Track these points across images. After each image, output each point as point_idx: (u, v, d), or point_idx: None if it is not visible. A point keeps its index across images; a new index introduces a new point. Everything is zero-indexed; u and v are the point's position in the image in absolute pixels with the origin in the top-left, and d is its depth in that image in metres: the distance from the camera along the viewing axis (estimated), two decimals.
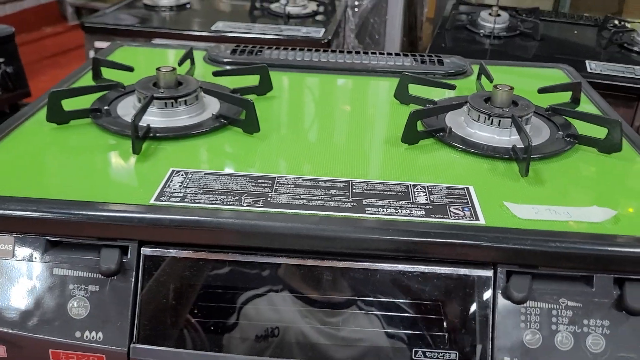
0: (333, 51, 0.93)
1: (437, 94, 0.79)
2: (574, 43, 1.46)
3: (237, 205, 0.54)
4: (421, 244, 0.51)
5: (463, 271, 0.52)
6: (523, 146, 0.62)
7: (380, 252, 0.52)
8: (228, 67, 0.87)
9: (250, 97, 0.78)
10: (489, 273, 0.52)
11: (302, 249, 0.52)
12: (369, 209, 0.54)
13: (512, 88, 0.69)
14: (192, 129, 0.67)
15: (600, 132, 0.67)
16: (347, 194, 0.57)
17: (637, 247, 0.51)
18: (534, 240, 0.51)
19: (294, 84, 0.84)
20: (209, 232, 0.52)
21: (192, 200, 0.54)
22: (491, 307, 0.51)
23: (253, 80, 0.79)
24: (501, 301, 0.51)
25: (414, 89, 0.79)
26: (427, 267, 0.52)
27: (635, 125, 1.42)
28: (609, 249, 0.51)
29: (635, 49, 1.36)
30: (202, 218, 0.52)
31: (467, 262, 0.52)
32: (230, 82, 0.80)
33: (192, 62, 0.84)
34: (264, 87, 0.78)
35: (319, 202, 0.55)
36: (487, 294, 0.51)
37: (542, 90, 0.76)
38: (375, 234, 0.51)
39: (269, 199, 0.55)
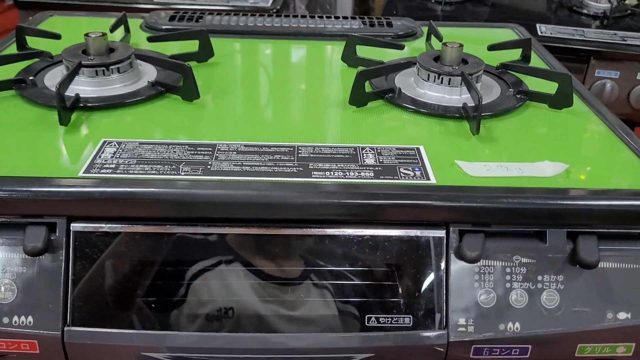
0: (278, 16, 0.89)
1: (386, 56, 0.76)
2: (525, 7, 1.46)
3: (174, 174, 0.50)
4: (370, 207, 0.49)
5: (415, 233, 0.50)
6: (473, 104, 0.60)
7: (329, 217, 0.49)
8: (175, 32, 0.82)
9: (191, 64, 0.74)
10: (441, 233, 0.50)
11: (244, 218, 0.49)
12: (315, 172, 0.52)
13: (461, 45, 0.67)
14: (126, 98, 0.63)
15: (551, 89, 0.66)
16: (292, 158, 0.54)
17: (588, 199, 0.50)
18: (485, 198, 0.49)
19: (237, 51, 0.80)
20: (143, 204, 0.48)
21: (125, 171, 0.50)
22: (444, 269, 0.50)
23: (193, 46, 0.75)
24: (454, 262, 0.49)
25: (362, 51, 0.76)
26: (377, 230, 0.50)
27: (585, 87, 1.44)
28: (561, 202, 0.49)
29: (584, 11, 1.37)
30: (136, 189, 0.48)
31: (418, 223, 0.50)
32: (169, 50, 0.75)
33: (127, 30, 0.79)
34: (205, 53, 0.74)
35: (262, 167, 0.52)
36: (440, 255, 0.50)
37: (491, 48, 0.74)
38: (322, 198, 0.49)
39: (209, 166, 0.52)
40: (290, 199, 0.48)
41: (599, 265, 0.49)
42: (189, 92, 0.63)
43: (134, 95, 0.64)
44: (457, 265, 0.49)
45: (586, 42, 1.26)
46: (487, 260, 0.50)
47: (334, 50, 0.81)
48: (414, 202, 0.49)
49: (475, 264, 0.49)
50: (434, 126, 0.61)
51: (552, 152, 0.57)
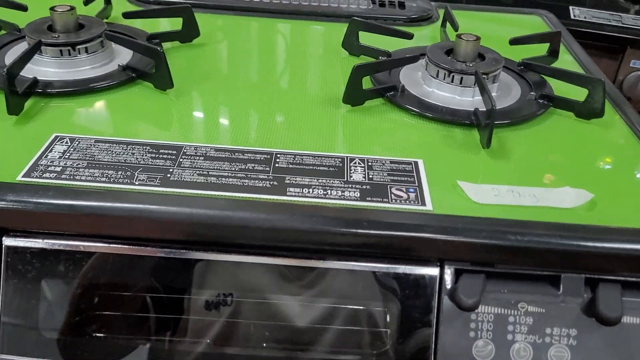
0: None
1: (394, 44, 0.68)
2: None
3: (126, 183, 0.43)
4: (350, 236, 0.41)
5: (402, 269, 0.42)
6: (486, 110, 0.52)
7: (301, 245, 0.42)
8: (155, 7, 0.74)
9: (173, 44, 0.66)
10: (434, 271, 0.42)
11: (200, 241, 0.42)
12: (291, 189, 0.44)
13: (478, 38, 0.58)
14: (91, 83, 0.56)
15: (579, 93, 0.57)
16: (267, 168, 0.46)
17: (614, 240, 0.42)
18: (489, 233, 0.41)
19: (226, 30, 0.72)
20: (84, 220, 0.41)
21: (71, 177, 0.43)
22: (435, 313, 0.42)
23: (178, 23, 0.67)
24: (448, 306, 0.42)
25: (367, 38, 0.67)
26: (357, 263, 0.42)
27: (618, 78, 1.33)
28: (581, 243, 0.41)
29: None
30: (76, 202, 0.41)
31: (408, 257, 0.42)
32: (153, 26, 0.67)
33: (107, 1, 0.71)
34: (189, 32, 0.66)
35: (229, 179, 0.44)
36: (431, 297, 0.42)
37: (513, 42, 0.64)
38: (293, 223, 0.41)
39: (168, 175, 0.45)
40: (255, 222, 0.41)
41: (622, 321, 0.41)
42: (162, 80, 0.55)
43: (101, 80, 0.56)
44: (450, 309, 0.42)
45: (623, 29, 1.17)
46: (486, 307, 0.42)
47: (336, 33, 0.72)
48: (403, 234, 0.41)
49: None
50: (439, 134, 0.53)
51: (576, 175, 0.48)
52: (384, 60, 0.57)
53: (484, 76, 0.57)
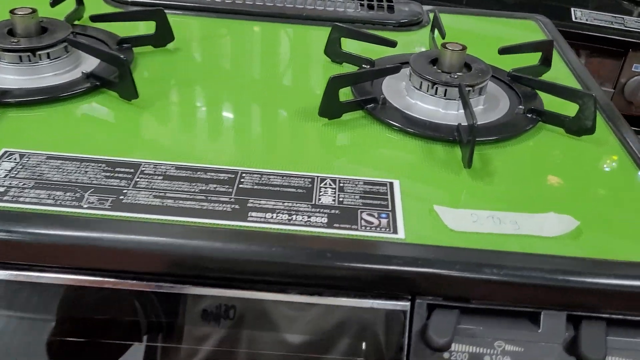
0: None
1: (380, 51, 0.64)
2: None
3: (73, 206, 0.40)
4: (312, 269, 0.38)
5: (370, 303, 0.39)
6: (467, 126, 0.49)
7: (259, 278, 0.39)
8: (132, 8, 0.71)
9: (145, 49, 0.63)
10: (404, 306, 0.39)
11: (150, 272, 0.39)
12: (253, 214, 0.41)
13: (464, 48, 0.55)
14: (52, 92, 0.52)
15: (572, 107, 0.53)
16: (230, 190, 0.43)
17: (599, 275, 0.38)
18: (465, 265, 0.38)
19: (203, 34, 0.69)
20: (24, 247, 0.38)
21: (14, 199, 0.40)
22: (405, 351, 0.39)
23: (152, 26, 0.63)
24: (418, 343, 0.39)
25: (351, 44, 0.64)
26: (322, 297, 0.39)
27: (620, 82, 1.30)
28: (563, 277, 0.38)
29: None
30: (15, 228, 0.38)
31: (376, 291, 0.39)
32: (127, 28, 0.64)
33: (80, 2, 0.67)
34: (162, 36, 0.62)
35: (187, 202, 0.41)
36: (400, 334, 0.39)
37: (503, 51, 0.61)
38: (250, 254, 0.38)
39: (121, 197, 0.41)
40: (209, 253, 0.38)
41: None
42: (126, 90, 0.52)
43: (62, 88, 0.53)
44: (421, 348, 0.39)
45: (625, 32, 1.14)
46: (461, 345, 0.39)
47: (321, 39, 0.69)
48: (371, 266, 0.38)
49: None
50: (419, 151, 0.49)
51: (561, 198, 0.45)
52: (362, 71, 0.54)
53: (470, 89, 0.53)
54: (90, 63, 0.57)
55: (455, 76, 0.54)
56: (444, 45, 0.55)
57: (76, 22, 0.66)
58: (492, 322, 0.39)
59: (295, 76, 0.61)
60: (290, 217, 0.41)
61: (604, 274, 0.38)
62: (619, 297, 0.38)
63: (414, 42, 0.71)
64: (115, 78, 0.54)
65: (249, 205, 0.42)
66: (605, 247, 0.40)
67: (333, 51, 0.63)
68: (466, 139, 0.48)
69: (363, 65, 0.61)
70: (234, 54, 0.65)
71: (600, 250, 0.40)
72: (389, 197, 0.44)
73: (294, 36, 0.70)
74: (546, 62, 0.63)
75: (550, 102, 0.56)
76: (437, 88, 0.54)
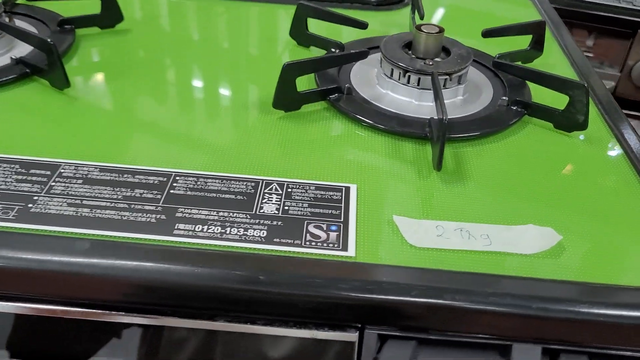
0: None
1: (350, 33, 0.58)
2: None
3: None
4: (241, 293, 0.32)
5: (311, 333, 0.33)
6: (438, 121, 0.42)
7: (182, 303, 0.33)
8: None
9: (91, 30, 0.56)
10: (351, 337, 0.33)
11: (58, 294, 0.33)
12: (180, 226, 0.35)
13: (441, 30, 0.48)
14: None
15: (563, 98, 0.47)
16: (158, 196, 0.37)
17: (583, 302, 0.32)
18: (423, 290, 0.32)
19: (156, 13, 0.62)
20: None
21: None
22: None
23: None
24: None
25: (319, 26, 0.58)
26: (255, 326, 0.33)
27: (628, 64, 1.23)
28: (540, 306, 0.32)
29: None
30: None
31: (319, 320, 0.33)
32: (69, 9, 0.58)
33: None
34: (109, 16, 0.56)
35: (106, 211, 0.36)
36: None
37: (487, 34, 0.54)
38: (170, 276, 0.32)
39: (30, 205, 0.36)
40: (121, 273, 0.32)
41: None
42: (56, 78, 0.46)
43: None
44: None
45: (634, 12, 1.07)
46: None
47: (289, 20, 0.62)
48: (311, 293, 0.32)
49: None
50: (385, 149, 0.43)
51: (544, 207, 0.39)
52: (321, 57, 0.48)
53: (446, 77, 0.47)
54: (24, 48, 0.51)
55: (431, 63, 0.48)
56: (418, 28, 0.49)
57: (18, 2, 0.60)
58: (454, 356, 0.33)
59: (255, 62, 0.55)
60: (223, 230, 0.35)
61: (588, 301, 0.32)
62: (605, 328, 0.32)
63: (394, 23, 0.64)
64: (46, 65, 0.48)
65: (177, 215, 0.36)
66: (592, 268, 0.34)
67: (299, 33, 0.56)
68: (437, 136, 0.42)
69: (332, 50, 0.54)
70: (188, 37, 0.58)
71: (585, 272, 0.34)
72: (342, 205, 0.38)
73: (259, 16, 0.63)
74: (537, 46, 0.56)
75: (541, 93, 0.49)
76: (409, 76, 0.48)
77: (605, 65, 1.23)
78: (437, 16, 0.68)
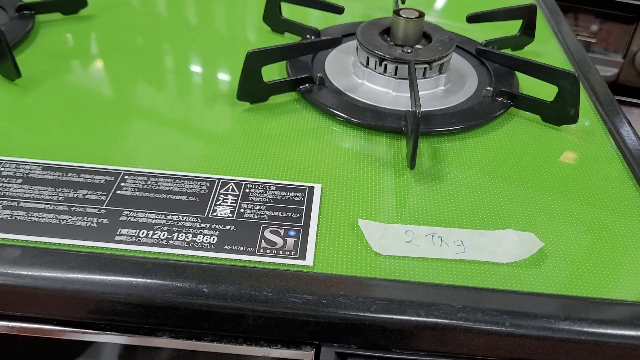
0: None
1: (328, 18, 0.54)
2: None
3: None
4: (183, 308, 0.29)
5: (263, 351, 0.30)
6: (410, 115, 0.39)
7: (118, 318, 0.30)
8: None
9: (53, 16, 0.53)
10: (307, 355, 0.30)
11: None
12: (123, 231, 0.32)
13: (421, 15, 0.45)
14: None
15: (553, 89, 0.43)
16: (103, 198, 0.34)
17: (565, 319, 0.29)
18: (384, 304, 0.29)
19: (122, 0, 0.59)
20: None
21: None
22: None
23: None
24: None
25: (293, 11, 0.54)
26: (201, 342, 0.30)
27: (631, 50, 1.19)
28: (516, 322, 0.29)
29: None
30: None
31: (271, 337, 0.30)
32: None
33: None
34: (72, 1, 0.53)
35: (44, 215, 0.33)
36: None
37: (472, 19, 0.50)
38: (105, 288, 0.29)
39: None
40: (52, 285, 0.29)
41: None
42: (5, 68, 0.43)
43: None
44: None
45: None
46: None
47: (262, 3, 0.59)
48: (260, 308, 0.29)
49: None
50: (357, 145, 0.40)
51: (526, 210, 0.36)
52: (288, 45, 0.44)
53: (426, 65, 0.44)
54: None
55: (409, 50, 0.44)
56: (396, 12, 0.45)
57: None
58: None
59: (224, 50, 0.51)
60: (170, 236, 0.32)
61: (569, 317, 0.29)
62: (588, 347, 0.29)
63: (380, 8, 0.61)
64: None
65: (121, 219, 0.33)
66: (577, 279, 0.31)
67: (272, 18, 0.53)
68: (410, 130, 0.38)
69: (307, 36, 0.51)
70: (154, 24, 0.55)
71: (568, 284, 0.31)
72: (304, 207, 0.34)
73: (231, 0, 0.60)
74: (528, 32, 0.52)
75: (530, 83, 0.46)
76: (386, 65, 0.44)
77: (610, 51, 1.19)
78: None
